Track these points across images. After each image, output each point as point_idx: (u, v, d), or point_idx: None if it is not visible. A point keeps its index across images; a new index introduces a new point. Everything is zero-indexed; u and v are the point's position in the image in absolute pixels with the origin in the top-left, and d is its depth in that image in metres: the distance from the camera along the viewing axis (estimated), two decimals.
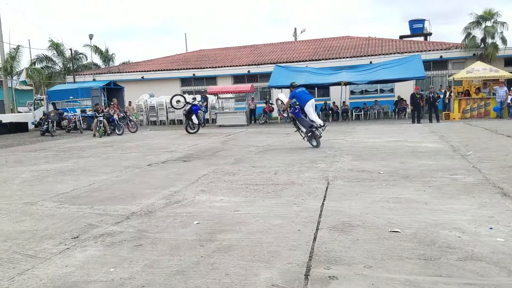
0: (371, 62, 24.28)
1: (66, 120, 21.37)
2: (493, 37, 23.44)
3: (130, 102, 24.00)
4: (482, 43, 23.80)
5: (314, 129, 10.12)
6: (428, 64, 23.92)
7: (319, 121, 10.34)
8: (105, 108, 19.34)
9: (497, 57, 23.16)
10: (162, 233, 4.09)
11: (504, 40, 23.39)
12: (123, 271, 3.18)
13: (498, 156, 7.75)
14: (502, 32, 23.38)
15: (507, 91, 18.83)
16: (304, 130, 10.54)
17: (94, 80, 28.46)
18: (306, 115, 10.47)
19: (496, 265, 2.99)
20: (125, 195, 5.89)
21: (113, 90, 24.16)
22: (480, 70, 19.65)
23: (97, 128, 17.45)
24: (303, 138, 10.63)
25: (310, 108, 10.47)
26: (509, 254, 3.16)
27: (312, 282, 2.83)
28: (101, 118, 17.44)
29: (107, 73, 30.40)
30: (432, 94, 18.82)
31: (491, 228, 3.77)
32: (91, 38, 33.04)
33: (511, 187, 5.28)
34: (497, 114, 18.76)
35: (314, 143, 10.25)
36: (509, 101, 18.54)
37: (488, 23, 23.62)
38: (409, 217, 4.23)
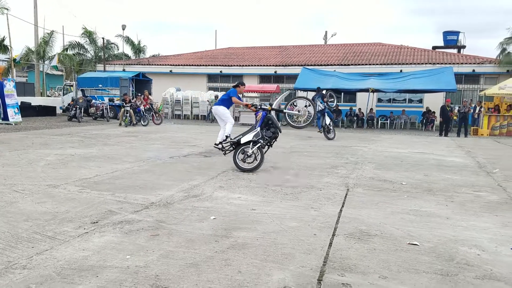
0: (401, 71, 23.88)
1: (94, 108, 21.84)
2: None
3: (146, 91, 23.64)
4: None
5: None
6: (460, 77, 23.38)
7: (226, 133, 8.84)
8: (132, 99, 19.65)
9: None
10: (179, 225, 4.13)
11: None
12: (138, 259, 3.23)
13: None
14: None
15: None
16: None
17: (123, 70, 28.93)
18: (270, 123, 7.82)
19: None
20: (146, 185, 5.97)
21: (142, 82, 24.51)
22: None
23: (123, 118, 17.77)
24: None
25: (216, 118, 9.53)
26: None
27: None
28: (128, 108, 17.75)
29: (136, 64, 30.86)
30: (465, 108, 18.39)
31: None
32: (123, 29, 33.58)
33: None
34: None
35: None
36: None
37: None
38: (429, 231, 4.14)
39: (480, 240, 3.87)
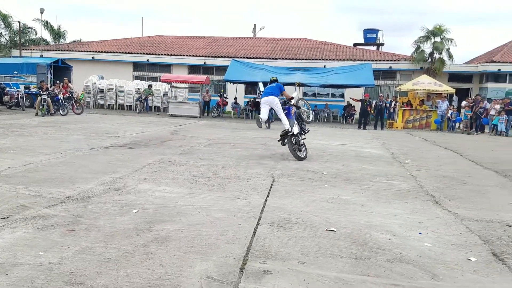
0: (325, 66, 24.80)
1: (8, 96, 20.22)
2: (440, 53, 24.70)
3: (65, 79, 22.40)
4: (429, 58, 25.03)
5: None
6: (378, 73, 24.82)
7: (286, 126, 8.38)
8: (50, 87, 18.45)
9: (443, 72, 24.46)
10: (98, 219, 3.97)
11: (450, 56, 24.72)
12: (52, 255, 3.07)
13: (434, 166, 8.21)
14: (449, 48, 24.73)
15: (448, 105, 19.97)
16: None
17: (41, 56, 27.00)
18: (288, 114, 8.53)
19: (421, 268, 3.16)
20: (63, 178, 5.66)
21: (61, 69, 23.10)
22: (425, 83, 20.65)
23: (40, 107, 16.68)
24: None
25: (264, 106, 8.80)
26: (434, 259, 3.35)
27: (246, 276, 2.87)
28: (45, 97, 16.68)
29: (56, 50, 28.92)
30: (381, 103, 19.59)
31: (420, 233, 3.98)
32: (42, 13, 31.13)
33: (443, 196, 5.61)
34: (437, 127, 19.84)
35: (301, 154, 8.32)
36: (449, 115, 19.66)
37: (437, 39, 24.85)
38: (345, 217, 4.38)
39: (392, 226, 4.17)
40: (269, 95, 8.74)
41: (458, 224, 4.35)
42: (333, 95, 26.57)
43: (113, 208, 4.35)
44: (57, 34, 35.21)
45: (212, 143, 10.40)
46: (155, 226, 3.83)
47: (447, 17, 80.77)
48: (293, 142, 8.18)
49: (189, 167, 6.94)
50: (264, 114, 8.74)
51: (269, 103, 8.68)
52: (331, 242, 3.62)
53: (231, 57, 25.85)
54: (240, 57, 26.01)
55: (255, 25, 41.90)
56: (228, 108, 24.81)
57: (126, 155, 7.82)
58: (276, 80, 9.04)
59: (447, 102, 20.04)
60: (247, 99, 25.00)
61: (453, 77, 25.34)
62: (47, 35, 35.14)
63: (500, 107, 18.13)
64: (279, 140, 8.45)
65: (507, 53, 25.14)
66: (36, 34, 33.92)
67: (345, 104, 23.97)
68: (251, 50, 28.83)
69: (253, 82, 23.56)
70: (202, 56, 27.56)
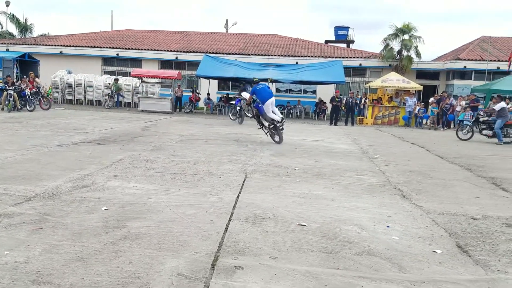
0: (297, 63, 24.95)
1: None
2: (408, 50, 25.30)
3: (31, 73, 21.87)
4: (398, 55, 25.58)
5: (276, 124, 10.11)
6: (348, 70, 25.18)
7: (277, 118, 10.18)
8: (16, 81, 17.85)
9: (411, 69, 25.06)
10: (65, 217, 3.88)
11: (418, 54, 25.36)
12: (18, 254, 2.99)
13: (401, 161, 8.41)
14: (417, 46, 25.34)
15: (416, 102, 20.48)
16: (266, 124, 10.43)
17: (7, 50, 26.05)
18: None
19: (389, 261, 3.24)
20: (29, 175, 5.49)
21: (28, 63, 22.43)
22: (394, 80, 21.10)
23: (6, 102, 16.13)
24: (266, 134, 10.57)
25: (268, 107, 10.25)
26: (401, 252, 3.44)
27: (217, 272, 2.87)
28: (12, 92, 16.11)
29: (22, 44, 27.96)
30: (351, 99, 19.91)
31: (388, 227, 4.08)
32: (7, 6, 30.07)
33: (410, 190, 5.76)
34: (405, 123, 20.33)
35: (277, 138, 10.20)
36: (416, 111, 20.17)
37: (406, 36, 25.42)
38: (316, 212, 4.44)
39: (360, 219, 4.25)
40: (271, 96, 10.42)
41: (424, 217, 4.47)
42: (305, 92, 26.81)
43: (81, 206, 4.26)
44: (24, 28, 34.15)
45: (184, 139, 10.31)
46: (125, 224, 3.77)
47: (416, 15, 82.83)
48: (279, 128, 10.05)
49: (160, 163, 6.86)
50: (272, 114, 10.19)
51: (272, 103, 10.24)
52: (302, 236, 3.67)
53: (203, 52, 25.66)
54: (213, 53, 25.85)
55: (227, 20, 41.80)
56: (201, 104, 24.66)
57: (95, 152, 7.66)
58: (259, 81, 10.89)
59: (415, 99, 20.56)
60: (220, 95, 24.91)
61: (421, 74, 26.00)
62: (13, 29, 34.13)
63: (466, 104, 18.73)
64: (263, 129, 10.46)
65: (472, 51, 25.98)
66: (1, 28, 32.97)
67: (317, 100, 24.22)
68: (224, 46, 28.69)
69: (225, 78, 23.48)
70: (174, 51, 27.22)
